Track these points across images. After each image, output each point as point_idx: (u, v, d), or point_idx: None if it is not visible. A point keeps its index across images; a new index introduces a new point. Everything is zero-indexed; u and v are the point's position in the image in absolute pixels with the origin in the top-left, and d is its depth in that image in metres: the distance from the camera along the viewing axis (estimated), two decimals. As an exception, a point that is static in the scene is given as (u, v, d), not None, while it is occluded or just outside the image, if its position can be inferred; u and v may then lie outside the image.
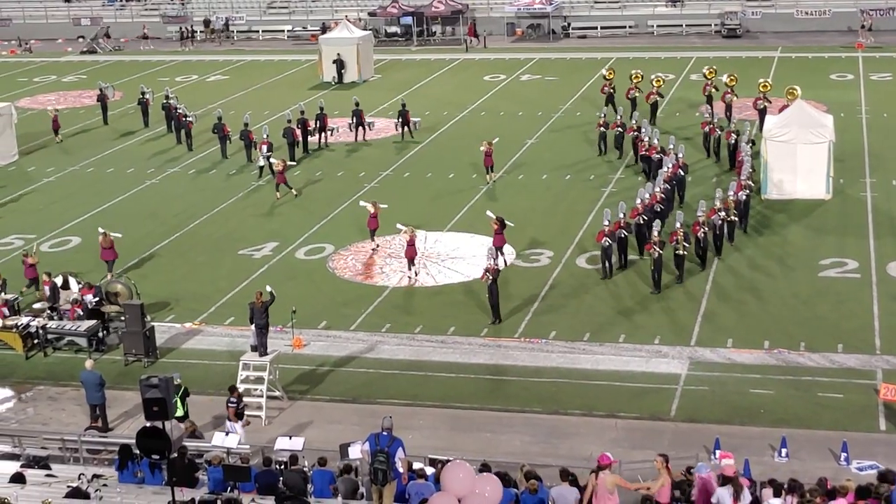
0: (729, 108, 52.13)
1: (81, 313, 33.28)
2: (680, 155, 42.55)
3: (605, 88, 56.07)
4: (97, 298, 33.75)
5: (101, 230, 38.27)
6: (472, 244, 39.54)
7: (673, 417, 27.91)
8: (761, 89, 51.40)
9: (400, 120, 53.75)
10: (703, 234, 35.98)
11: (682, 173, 42.20)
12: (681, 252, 35.20)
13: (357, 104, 54.09)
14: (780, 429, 26.55)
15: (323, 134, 53.33)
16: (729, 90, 52.65)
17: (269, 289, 30.19)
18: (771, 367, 30.07)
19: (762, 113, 49.35)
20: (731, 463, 21.18)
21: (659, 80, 55.14)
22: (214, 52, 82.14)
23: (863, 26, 75.97)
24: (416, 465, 21.99)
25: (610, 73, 56.91)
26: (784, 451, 25.54)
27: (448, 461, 20.77)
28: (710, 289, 35.20)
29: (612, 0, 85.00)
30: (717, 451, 25.22)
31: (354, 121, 53.67)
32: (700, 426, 27.29)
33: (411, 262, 37.33)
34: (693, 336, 32.11)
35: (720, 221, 37.00)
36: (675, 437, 26.81)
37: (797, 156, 42.03)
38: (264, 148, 48.21)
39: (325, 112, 53.44)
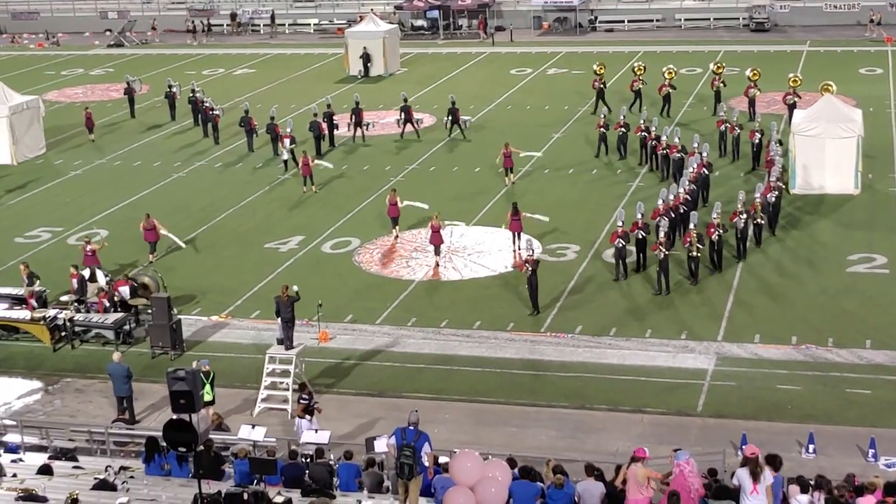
0: (752, 103, 51.73)
1: (108, 304, 33.38)
2: (704, 154, 41.77)
3: (596, 84, 56.02)
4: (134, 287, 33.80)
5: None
6: (498, 238, 39.46)
7: (700, 413, 27.81)
8: (791, 84, 50.97)
9: (449, 118, 53.24)
10: (717, 237, 35.33)
11: (707, 173, 41.63)
12: (694, 254, 34.70)
13: (405, 100, 53.80)
14: (808, 425, 26.43)
15: (359, 128, 53.11)
16: (752, 84, 52.24)
17: (295, 288, 30.20)
18: (798, 363, 29.92)
19: (791, 108, 48.75)
20: (755, 447, 21.10)
21: (671, 72, 55.11)
22: (241, 46, 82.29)
23: (871, 20, 75.63)
24: (442, 460, 21.96)
25: (601, 69, 56.77)
26: (811, 447, 25.42)
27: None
28: (738, 284, 35.05)
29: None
30: (744, 447, 25.09)
31: (403, 116, 53.23)
32: (727, 421, 27.18)
33: (437, 249, 37.57)
34: (720, 331, 31.98)
35: (742, 224, 36.46)
36: (702, 433, 26.72)
37: (826, 150, 41.83)
38: (287, 142, 48.28)
39: (361, 106, 53.28)
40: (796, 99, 49.68)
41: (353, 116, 52.79)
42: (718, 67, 55.29)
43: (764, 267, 36.26)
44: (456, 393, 29.40)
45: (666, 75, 54.58)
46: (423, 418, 22.37)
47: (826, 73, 56.53)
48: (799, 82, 51.18)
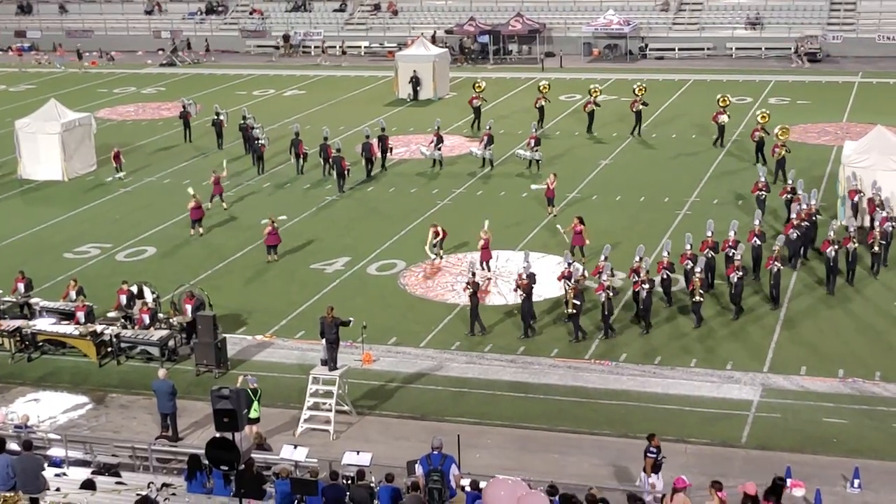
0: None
1: (147, 320, 33.55)
2: (813, 202, 39.68)
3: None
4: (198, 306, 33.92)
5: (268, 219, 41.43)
6: (543, 264, 39.35)
7: (744, 444, 27.58)
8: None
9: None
10: (776, 269, 34.80)
11: (807, 224, 38.63)
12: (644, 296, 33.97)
13: (489, 126, 53.61)
14: (854, 459, 26.15)
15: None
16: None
17: (350, 320, 30.26)
18: (845, 396, 29.62)
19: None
20: (753, 483, 21.14)
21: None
22: (291, 67, 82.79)
23: (797, 52, 75.58)
24: (483, 485, 21.86)
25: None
26: (857, 481, 25.14)
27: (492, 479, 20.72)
28: (784, 316, 34.79)
29: (691, 21, 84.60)
30: (789, 480, 24.89)
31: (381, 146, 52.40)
32: (771, 454, 26.93)
33: (485, 264, 38.28)
34: (766, 363, 31.73)
35: (834, 254, 35.78)
36: (746, 465, 26.49)
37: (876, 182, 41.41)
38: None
39: (440, 128, 53.00)
40: (764, 135, 49.16)
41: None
42: (640, 89, 56.87)
43: (812, 299, 35.97)
44: (499, 418, 29.30)
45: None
46: (466, 443, 22.36)
47: (878, 105, 56.08)
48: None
